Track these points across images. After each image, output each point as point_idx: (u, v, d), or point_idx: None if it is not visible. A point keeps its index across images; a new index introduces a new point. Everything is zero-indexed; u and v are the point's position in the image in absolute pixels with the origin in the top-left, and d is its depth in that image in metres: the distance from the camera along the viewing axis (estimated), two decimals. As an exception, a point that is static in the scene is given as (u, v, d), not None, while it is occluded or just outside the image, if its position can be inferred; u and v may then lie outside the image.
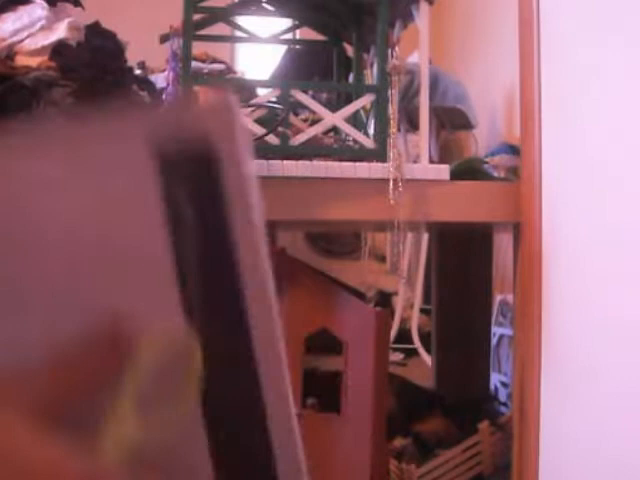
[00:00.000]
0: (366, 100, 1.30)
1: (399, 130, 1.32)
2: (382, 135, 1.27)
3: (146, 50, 1.72)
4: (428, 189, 1.28)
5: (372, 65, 1.43)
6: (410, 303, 2.96)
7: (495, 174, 1.59)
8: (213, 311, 0.35)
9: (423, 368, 2.48)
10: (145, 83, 1.50)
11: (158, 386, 0.33)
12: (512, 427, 1.36)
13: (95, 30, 1.43)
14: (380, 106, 1.28)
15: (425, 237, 2.62)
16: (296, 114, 1.49)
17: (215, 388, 0.35)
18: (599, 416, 1.04)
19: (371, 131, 1.34)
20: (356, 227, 2.08)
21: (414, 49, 1.41)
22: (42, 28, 1.39)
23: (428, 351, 2.46)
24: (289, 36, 1.69)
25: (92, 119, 0.34)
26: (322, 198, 1.26)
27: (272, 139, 1.25)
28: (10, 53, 1.38)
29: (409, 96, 1.51)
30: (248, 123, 1.27)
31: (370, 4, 1.33)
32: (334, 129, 1.40)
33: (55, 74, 1.31)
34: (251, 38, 1.53)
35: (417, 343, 2.83)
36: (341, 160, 1.28)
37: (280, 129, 1.25)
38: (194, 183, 0.34)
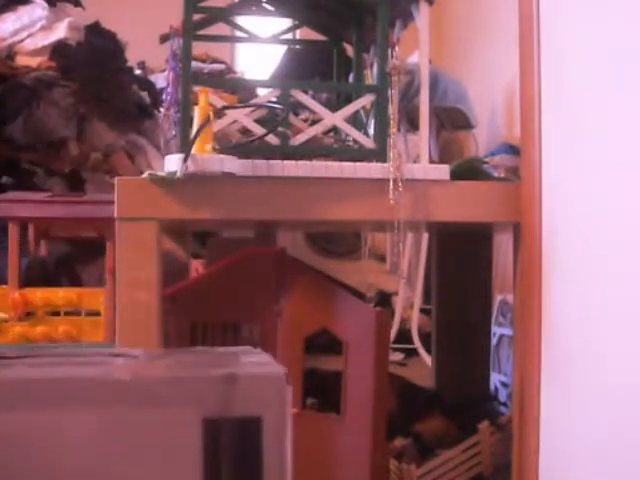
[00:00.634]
0: (366, 100, 1.30)
1: (399, 130, 1.32)
2: (382, 135, 1.27)
3: (146, 50, 1.72)
4: (428, 189, 1.28)
5: (372, 65, 1.43)
6: (410, 303, 2.96)
7: (495, 174, 1.60)
8: None
9: (423, 368, 2.48)
10: (145, 83, 1.51)
11: None
12: (512, 427, 1.36)
13: (95, 30, 1.43)
14: (380, 106, 1.28)
15: (425, 237, 2.62)
16: (296, 114, 1.49)
17: None
18: (599, 416, 1.04)
19: (371, 131, 1.34)
20: (356, 227, 2.08)
21: (414, 49, 1.41)
22: (42, 28, 1.39)
23: (428, 351, 2.46)
24: (289, 36, 1.69)
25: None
26: (322, 198, 1.26)
27: (272, 139, 1.25)
28: (10, 53, 1.39)
29: (409, 96, 1.51)
30: (248, 123, 1.27)
31: (370, 4, 1.33)
32: (334, 129, 1.40)
33: (55, 74, 1.31)
34: (251, 38, 1.53)
35: (417, 343, 2.83)
36: (341, 160, 1.28)
37: (280, 129, 1.25)
38: (236, 444, 0.36)
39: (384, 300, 2.97)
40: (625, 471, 0.97)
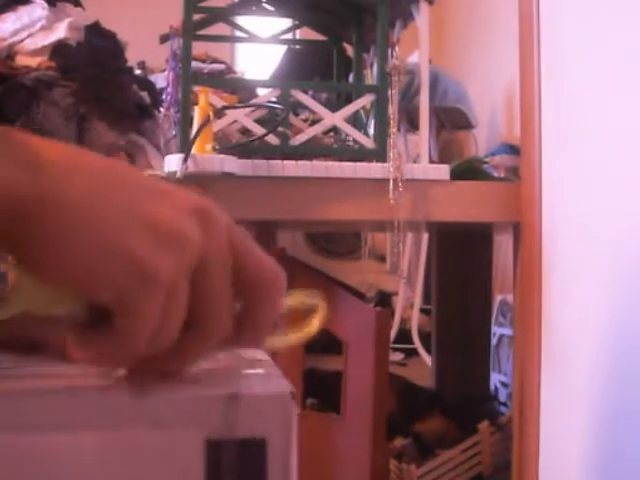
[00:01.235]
0: (366, 100, 1.30)
1: (399, 130, 1.32)
2: (382, 135, 1.27)
3: (146, 50, 1.72)
4: (428, 189, 1.28)
5: (372, 65, 1.43)
6: (410, 303, 2.96)
7: (495, 174, 1.59)
8: None
9: (423, 368, 2.48)
10: (145, 83, 1.50)
11: None
12: (512, 427, 1.36)
13: (95, 30, 1.43)
14: (380, 106, 1.28)
15: (425, 237, 2.62)
16: (296, 114, 1.49)
17: None
18: (599, 416, 1.04)
19: (371, 131, 1.34)
20: (356, 227, 2.08)
21: (414, 49, 1.41)
22: (42, 28, 1.39)
23: (428, 351, 2.46)
24: (289, 36, 1.69)
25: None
26: (322, 198, 1.26)
27: (272, 139, 1.25)
28: (10, 53, 1.38)
29: (409, 96, 1.51)
30: (248, 123, 1.27)
31: (370, 4, 1.33)
32: (334, 129, 1.40)
33: (55, 74, 1.31)
34: (251, 38, 1.53)
35: (417, 343, 2.83)
36: (341, 160, 1.28)
37: (280, 129, 1.25)
38: (239, 466, 0.36)
39: (384, 300, 2.97)
40: (625, 471, 0.97)
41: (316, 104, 1.32)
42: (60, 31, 1.39)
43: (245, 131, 1.30)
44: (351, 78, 1.56)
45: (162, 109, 1.39)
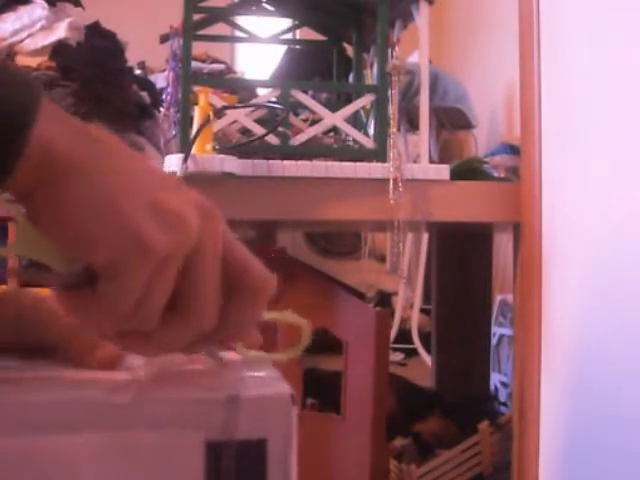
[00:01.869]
0: (366, 100, 1.30)
1: (399, 130, 1.32)
2: (382, 135, 1.27)
3: (146, 50, 1.72)
4: (428, 189, 1.28)
5: (372, 65, 1.43)
6: (410, 303, 2.96)
7: (495, 174, 1.59)
8: None
9: (423, 368, 2.48)
10: (145, 83, 1.50)
11: None
12: (512, 427, 1.36)
13: (95, 30, 1.43)
14: (380, 106, 1.28)
15: (425, 237, 2.62)
16: (296, 114, 1.49)
17: None
18: (599, 416, 1.04)
19: (371, 131, 1.34)
20: (356, 227, 2.08)
21: (414, 49, 1.41)
22: (42, 28, 1.38)
23: (428, 351, 2.46)
24: (289, 36, 1.69)
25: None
26: (322, 198, 1.26)
27: (272, 139, 1.25)
28: (10, 53, 1.38)
29: (409, 96, 1.51)
30: (248, 123, 1.27)
31: (370, 4, 1.33)
32: (334, 129, 1.40)
33: (55, 74, 1.31)
34: (251, 38, 1.53)
35: (417, 343, 2.83)
36: (341, 160, 1.28)
37: (280, 129, 1.25)
38: (240, 468, 0.36)
39: (384, 300, 2.97)
40: (625, 471, 0.97)
41: (316, 104, 1.32)
42: (60, 31, 1.39)
43: (245, 131, 1.30)
44: (351, 78, 1.56)
45: (162, 109, 1.39)
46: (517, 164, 1.42)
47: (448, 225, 1.52)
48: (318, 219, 1.31)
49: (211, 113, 1.17)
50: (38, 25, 1.40)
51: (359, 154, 1.30)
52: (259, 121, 1.29)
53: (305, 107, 1.37)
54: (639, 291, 0.95)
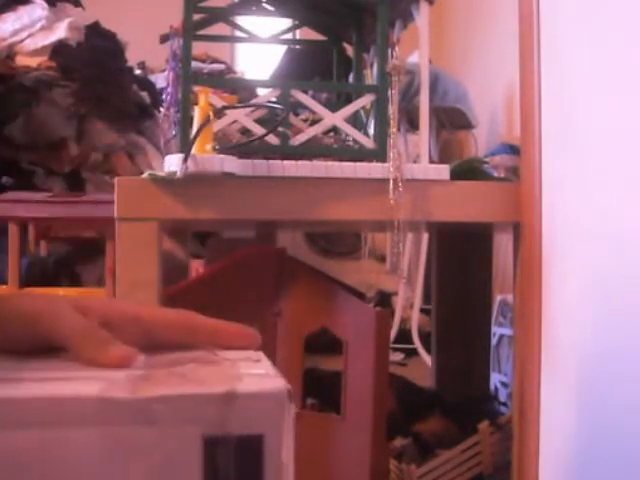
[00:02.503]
0: (366, 100, 1.30)
1: (399, 130, 1.32)
2: (382, 135, 1.27)
3: (146, 50, 1.72)
4: (428, 189, 1.28)
5: (372, 65, 1.43)
6: (410, 303, 2.96)
7: (495, 174, 1.60)
8: None
9: (423, 368, 2.48)
10: (145, 83, 1.51)
11: None
12: (512, 427, 1.36)
13: (95, 30, 1.43)
14: (380, 106, 1.28)
15: (425, 237, 2.62)
16: (296, 114, 1.49)
17: None
18: (599, 416, 1.04)
19: (371, 131, 1.34)
20: (356, 227, 2.08)
21: (414, 49, 1.41)
22: (42, 28, 1.39)
23: (428, 351, 2.46)
24: (289, 36, 1.69)
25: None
26: (322, 198, 1.26)
27: (272, 139, 1.25)
28: (10, 53, 1.38)
29: (409, 96, 1.51)
30: (248, 123, 1.27)
31: (370, 4, 1.33)
32: (334, 129, 1.40)
33: (55, 74, 1.31)
34: (251, 38, 1.53)
35: (417, 343, 2.83)
36: (341, 160, 1.28)
37: (280, 129, 1.25)
38: (236, 463, 0.36)
39: (384, 300, 2.97)
40: (625, 470, 0.97)
41: (316, 104, 1.32)
42: (60, 31, 1.39)
43: (245, 131, 1.30)
44: (351, 78, 1.56)
45: (162, 109, 1.39)
46: (517, 164, 1.42)
47: (448, 225, 1.52)
48: (318, 219, 1.31)
49: (211, 113, 1.17)
50: (38, 25, 1.40)
51: (359, 154, 1.30)
52: (259, 121, 1.29)
53: (305, 107, 1.37)
54: (639, 291, 0.95)
